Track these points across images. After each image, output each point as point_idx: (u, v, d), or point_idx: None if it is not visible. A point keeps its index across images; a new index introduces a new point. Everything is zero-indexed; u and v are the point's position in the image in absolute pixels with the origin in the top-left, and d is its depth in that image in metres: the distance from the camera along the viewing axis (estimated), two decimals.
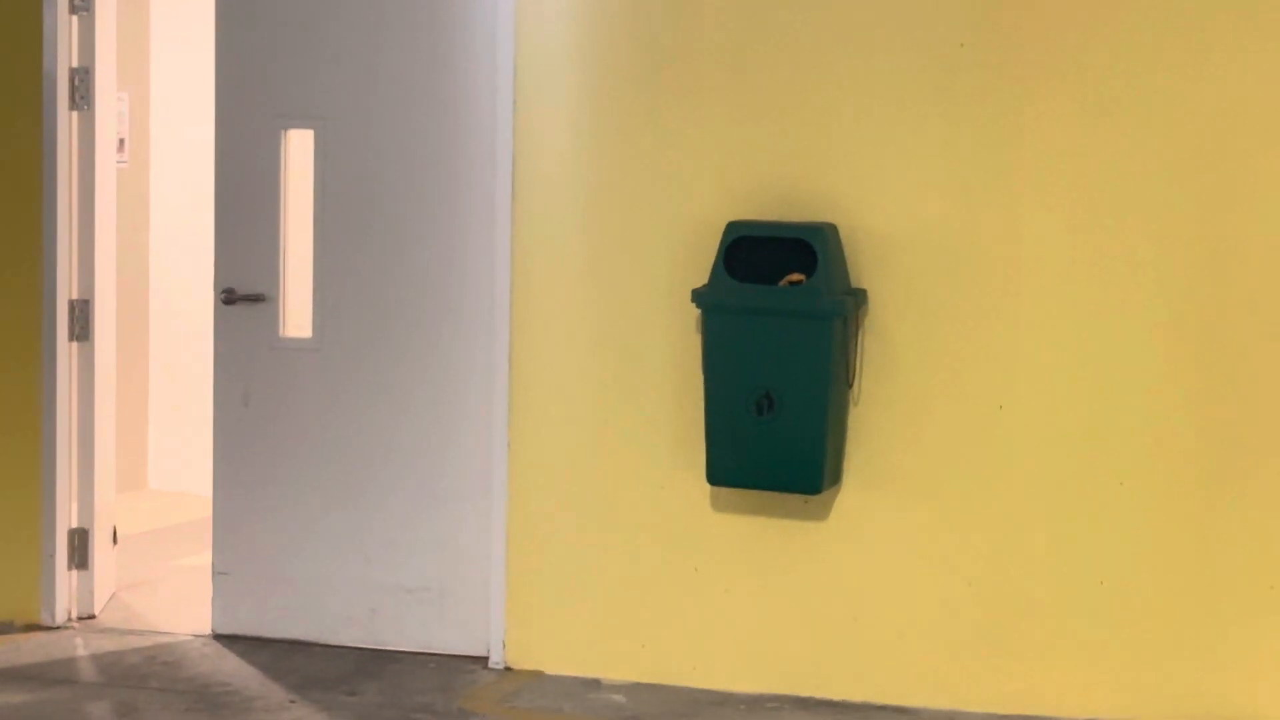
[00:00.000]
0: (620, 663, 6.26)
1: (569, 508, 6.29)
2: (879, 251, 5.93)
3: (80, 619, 6.90)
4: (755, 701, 6.07)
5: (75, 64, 6.77)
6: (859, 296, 5.92)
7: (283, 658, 6.49)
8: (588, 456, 6.26)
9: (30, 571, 6.83)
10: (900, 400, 5.95)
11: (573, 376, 6.26)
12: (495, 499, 6.37)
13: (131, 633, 6.79)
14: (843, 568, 6.04)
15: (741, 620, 6.14)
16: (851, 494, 6.02)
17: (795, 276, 5.88)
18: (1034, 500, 5.85)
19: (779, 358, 5.83)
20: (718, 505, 6.15)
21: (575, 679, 6.28)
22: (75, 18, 6.76)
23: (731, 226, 5.93)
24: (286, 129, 6.59)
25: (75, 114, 6.79)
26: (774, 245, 5.91)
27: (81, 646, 6.63)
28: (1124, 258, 5.73)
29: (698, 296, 5.94)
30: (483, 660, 6.43)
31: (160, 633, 6.79)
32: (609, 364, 6.22)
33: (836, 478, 5.99)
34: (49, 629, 6.81)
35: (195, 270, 8.54)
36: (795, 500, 6.04)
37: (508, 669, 6.38)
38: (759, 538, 6.11)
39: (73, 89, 6.76)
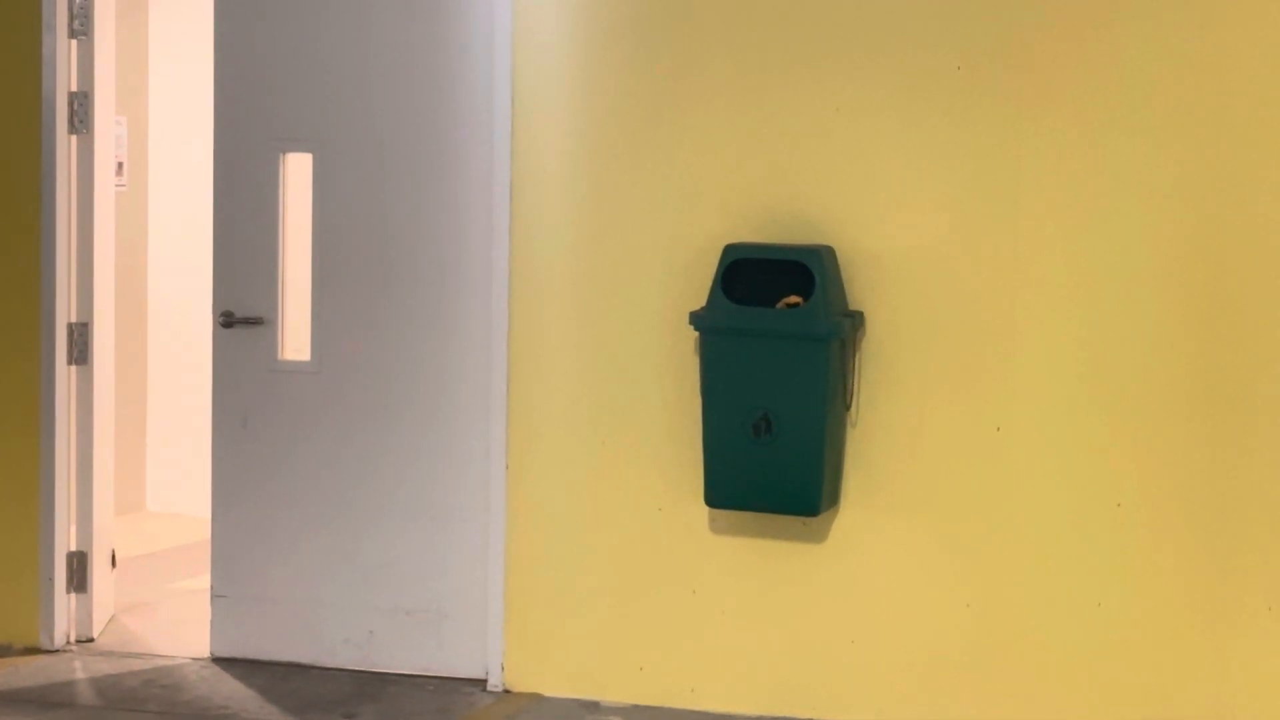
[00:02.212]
0: (619, 685, 6.26)
1: (567, 530, 6.30)
2: (877, 274, 5.94)
3: (79, 642, 6.90)
4: None
5: (74, 88, 6.79)
6: (856, 319, 5.93)
7: (281, 680, 6.49)
8: (586, 479, 6.27)
9: (29, 594, 6.82)
10: (898, 422, 5.95)
11: (571, 399, 6.27)
12: (493, 521, 6.37)
13: (130, 656, 6.78)
14: (841, 589, 6.04)
15: (740, 642, 6.14)
16: (849, 516, 6.02)
17: (793, 299, 5.89)
18: (1032, 522, 5.85)
19: (777, 380, 5.84)
20: (716, 527, 6.15)
21: (574, 701, 6.28)
22: (74, 42, 6.78)
23: (729, 249, 5.94)
24: (285, 152, 6.61)
25: (74, 138, 6.80)
26: (772, 268, 5.93)
27: (80, 669, 6.63)
28: (1122, 279, 5.74)
29: (695, 319, 5.95)
30: (481, 682, 6.43)
31: (159, 656, 6.79)
32: (607, 386, 6.23)
33: (834, 499, 5.99)
34: (47, 652, 6.81)
35: (194, 293, 8.55)
36: (793, 522, 6.04)
37: (506, 691, 6.38)
38: (757, 560, 6.11)
39: (71, 113, 6.78)
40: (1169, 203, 5.69)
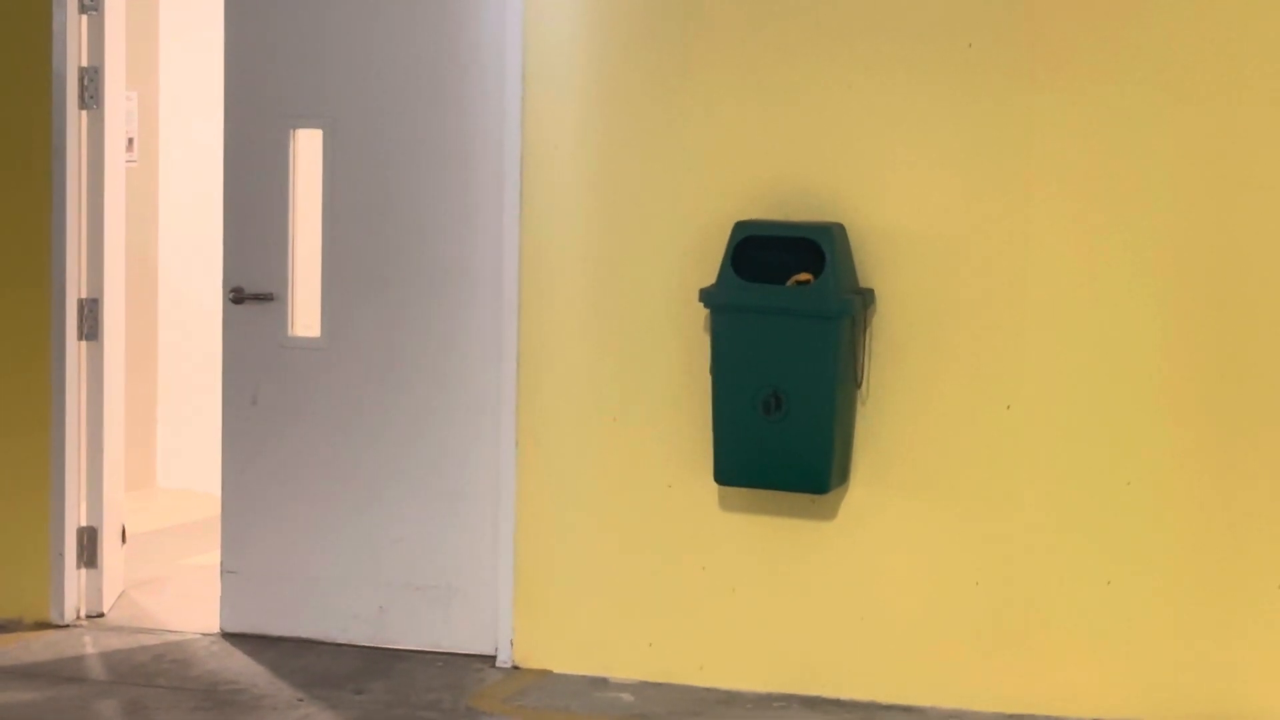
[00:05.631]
0: (628, 661, 6.26)
1: (577, 507, 6.30)
2: (887, 251, 5.93)
3: (89, 617, 6.91)
4: (762, 700, 6.07)
5: (84, 63, 6.78)
6: (867, 296, 5.92)
7: (291, 656, 6.50)
8: (596, 456, 6.27)
9: (39, 570, 6.84)
10: (908, 400, 5.95)
11: (581, 375, 6.27)
12: (503, 498, 6.38)
13: (140, 631, 6.80)
14: (850, 567, 6.04)
15: (749, 619, 6.15)
16: (859, 493, 6.02)
17: (803, 276, 5.88)
18: (1041, 500, 5.85)
19: (787, 357, 5.84)
20: (725, 504, 6.15)
21: (583, 678, 6.29)
22: (84, 17, 6.77)
23: (739, 226, 5.94)
24: (295, 128, 6.60)
25: (84, 113, 6.80)
26: (782, 245, 5.92)
27: (90, 645, 6.64)
28: (1133, 258, 5.73)
29: (706, 296, 5.95)
30: (491, 659, 6.44)
31: (169, 631, 6.80)
32: (617, 363, 6.23)
33: (844, 477, 5.99)
34: (58, 627, 6.82)
35: (204, 269, 8.53)
36: (803, 499, 6.04)
37: (515, 667, 6.38)
38: (766, 537, 6.12)
39: (82, 88, 6.77)
40: (1181, 180, 5.67)
